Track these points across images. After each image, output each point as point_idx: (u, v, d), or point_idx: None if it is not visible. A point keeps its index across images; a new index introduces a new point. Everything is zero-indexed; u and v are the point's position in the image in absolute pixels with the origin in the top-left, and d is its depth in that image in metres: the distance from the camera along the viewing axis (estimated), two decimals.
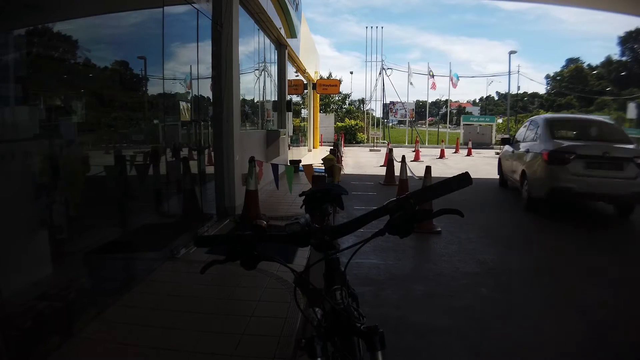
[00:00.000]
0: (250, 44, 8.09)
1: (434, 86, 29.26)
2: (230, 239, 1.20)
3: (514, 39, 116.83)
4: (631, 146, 6.39)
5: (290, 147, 12.77)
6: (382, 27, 48.50)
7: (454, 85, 29.36)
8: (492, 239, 5.29)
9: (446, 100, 34.34)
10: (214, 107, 5.48)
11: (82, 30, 2.96)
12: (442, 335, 2.85)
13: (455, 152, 20.92)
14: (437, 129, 34.25)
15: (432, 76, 28.93)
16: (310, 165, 5.82)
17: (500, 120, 32.72)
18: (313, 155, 16.70)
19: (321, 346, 1.15)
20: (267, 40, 9.42)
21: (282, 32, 9.63)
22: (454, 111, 53.40)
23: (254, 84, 8.80)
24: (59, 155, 2.76)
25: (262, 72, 9.37)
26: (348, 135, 27.24)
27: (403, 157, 8.14)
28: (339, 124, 29.25)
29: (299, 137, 17.65)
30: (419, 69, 31.10)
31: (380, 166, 13.12)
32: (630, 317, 3.23)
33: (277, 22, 8.89)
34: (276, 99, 11.18)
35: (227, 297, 3.18)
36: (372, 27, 40.99)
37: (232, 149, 5.54)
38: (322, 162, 5.78)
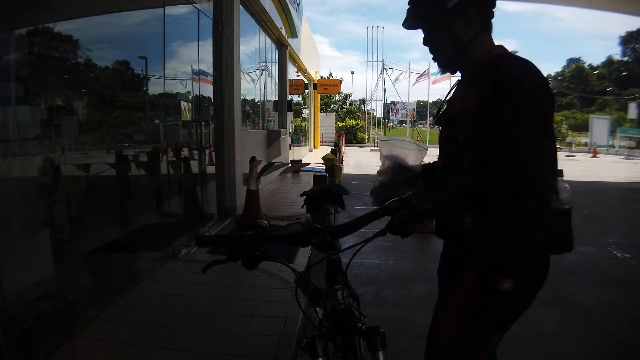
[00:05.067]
0: (251, 44, 8.09)
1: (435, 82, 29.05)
2: (232, 238, 1.20)
3: (513, 38, 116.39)
4: None
5: (291, 147, 12.78)
6: (382, 27, 48.46)
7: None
8: None
9: None
10: (214, 107, 5.49)
11: (83, 30, 2.97)
12: None
13: None
14: (438, 129, 34.17)
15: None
16: (299, 161, 5.79)
17: None
18: (314, 155, 16.70)
19: (322, 346, 1.15)
20: (268, 40, 9.42)
21: (283, 31, 9.63)
22: None
23: (255, 83, 8.81)
24: (60, 154, 2.76)
25: (263, 72, 9.37)
26: (349, 135, 27.21)
27: None
28: (340, 123, 29.23)
29: (299, 136, 17.65)
30: (420, 69, 30.90)
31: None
32: (633, 317, 3.22)
33: (278, 22, 8.89)
34: (277, 99, 11.18)
35: (228, 297, 3.18)
36: (372, 27, 40.95)
37: (233, 148, 5.54)
38: (322, 161, 5.78)
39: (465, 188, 1.25)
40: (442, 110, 1.49)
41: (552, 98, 1.25)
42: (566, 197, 1.22)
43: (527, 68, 1.20)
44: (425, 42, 1.37)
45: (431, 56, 1.40)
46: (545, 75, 1.25)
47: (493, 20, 1.34)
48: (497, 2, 1.34)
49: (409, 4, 1.36)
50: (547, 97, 1.19)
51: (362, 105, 36.75)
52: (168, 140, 4.32)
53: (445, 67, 1.40)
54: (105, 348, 2.41)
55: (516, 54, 1.33)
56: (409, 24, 1.36)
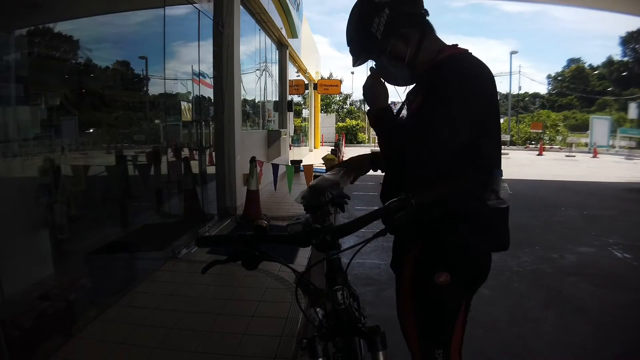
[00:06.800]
0: (252, 44, 8.08)
1: None
2: (232, 239, 1.20)
3: (513, 38, 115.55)
4: None
5: (292, 147, 12.77)
6: None
7: None
8: None
9: None
10: (215, 107, 5.49)
11: (83, 30, 2.97)
12: None
13: None
14: None
15: None
16: (310, 166, 5.82)
17: (501, 121, 32.64)
18: (314, 155, 16.69)
19: (322, 346, 1.15)
20: (268, 40, 9.42)
21: (284, 32, 9.62)
22: None
23: (255, 84, 8.81)
24: (60, 154, 2.76)
25: (263, 72, 9.37)
26: (349, 136, 27.21)
27: None
28: (340, 124, 29.23)
29: (300, 137, 17.64)
30: None
31: None
32: (633, 317, 3.22)
33: (279, 22, 8.88)
34: (277, 99, 11.17)
35: (228, 297, 3.18)
36: None
37: (233, 149, 5.54)
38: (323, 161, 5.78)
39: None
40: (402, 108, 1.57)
41: (486, 96, 1.28)
42: (504, 196, 1.27)
43: (474, 68, 1.27)
44: (378, 71, 1.41)
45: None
46: (492, 76, 1.32)
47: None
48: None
49: (348, 45, 1.40)
50: (484, 96, 1.25)
51: (363, 106, 36.72)
52: (168, 141, 4.32)
53: (405, 83, 1.45)
54: (105, 348, 2.41)
55: (467, 54, 1.34)
56: (357, 61, 1.41)
